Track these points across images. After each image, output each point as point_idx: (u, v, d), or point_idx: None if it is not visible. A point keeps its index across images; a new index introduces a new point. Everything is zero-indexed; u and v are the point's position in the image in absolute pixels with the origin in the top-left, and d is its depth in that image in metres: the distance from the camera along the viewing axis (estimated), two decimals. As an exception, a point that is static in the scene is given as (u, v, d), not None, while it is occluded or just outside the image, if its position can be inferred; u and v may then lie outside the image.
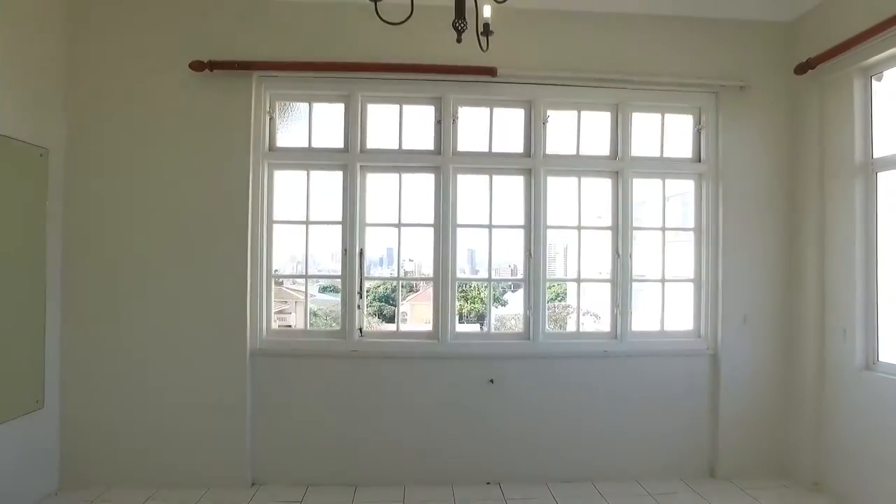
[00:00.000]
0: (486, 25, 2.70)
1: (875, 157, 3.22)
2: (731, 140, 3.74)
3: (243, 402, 3.47)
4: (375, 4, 2.40)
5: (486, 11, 2.67)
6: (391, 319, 4.24)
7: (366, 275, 3.74)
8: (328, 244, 3.73)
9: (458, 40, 2.50)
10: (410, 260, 4.27)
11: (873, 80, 3.25)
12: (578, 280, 3.81)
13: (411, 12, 2.48)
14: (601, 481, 3.57)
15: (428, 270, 3.80)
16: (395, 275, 3.97)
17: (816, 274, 3.52)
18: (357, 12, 3.40)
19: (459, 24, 2.46)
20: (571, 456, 3.61)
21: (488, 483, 3.56)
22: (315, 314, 4.00)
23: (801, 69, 3.53)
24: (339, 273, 3.64)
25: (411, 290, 5.14)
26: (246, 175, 3.51)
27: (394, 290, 4.23)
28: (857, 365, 3.22)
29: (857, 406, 3.19)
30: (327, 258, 3.79)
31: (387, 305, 4.92)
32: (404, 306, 4.10)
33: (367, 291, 3.99)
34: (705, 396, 3.72)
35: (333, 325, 3.92)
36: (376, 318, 5.03)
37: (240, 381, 3.47)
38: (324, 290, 4.99)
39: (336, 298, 3.96)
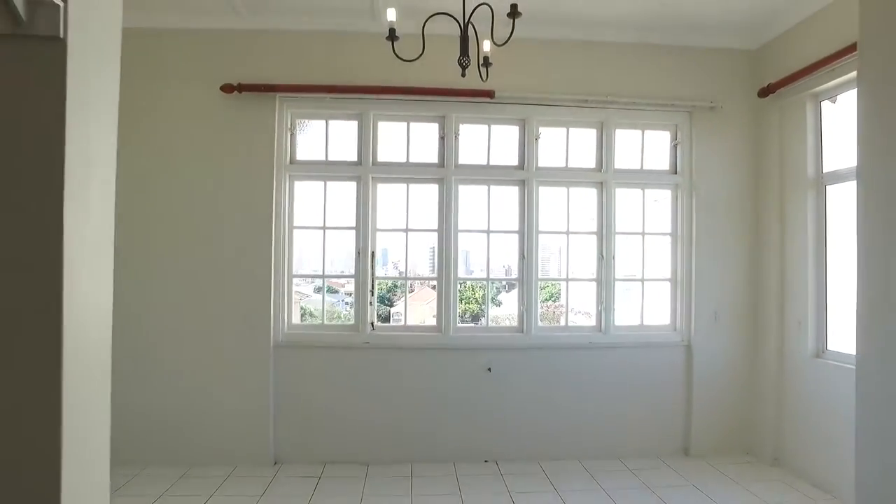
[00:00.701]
0: (486, 58, 3.14)
1: (825, 171, 3.68)
2: (703, 154, 4.19)
3: (267, 390, 3.88)
4: (392, 45, 2.84)
5: (486, 47, 3.10)
6: (387, 319, 4.61)
7: (377, 275, 4.16)
8: (343, 247, 4.13)
9: (463, 75, 2.93)
10: (394, 264, 4.54)
11: (829, 103, 3.71)
12: (567, 280, 4.25)
13: (422, 51, 2.93)
14: (587, 459, 3.99)
15: (420, 271, 4.24)
16: (388, 275, 4.40)
17: (777, 274, 3.98)
18: (369, 40, 3.83)
19: (464, 61, 2.89)
20: (560, 436, 4.03)
21: (486, 461, 3.98)
22: (311, 314, 4.33)
23: (764, 92, 3.99)
24: (353, 273, 4.06)
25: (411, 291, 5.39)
26: (269, 185, 3.92)
27: (389, 290, 4.65)
28: (810, 353, 3.68)
29: (809, 390, 3.64)
30: (341, 260, 4.18)
31: (381, 305, 5.12)
32: (399, 306, 4.45)
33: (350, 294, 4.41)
34: (680, 384, 4.16)
35: (336, 320, 4.35)
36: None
37: (264, 371, 3.88)
38: (318, 290, 5.23)
39: (331, 298, 4.39)
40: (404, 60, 2.89)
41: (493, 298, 4.52)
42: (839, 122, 3.65)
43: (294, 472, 3.76)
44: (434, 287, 4.15)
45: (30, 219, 1.44)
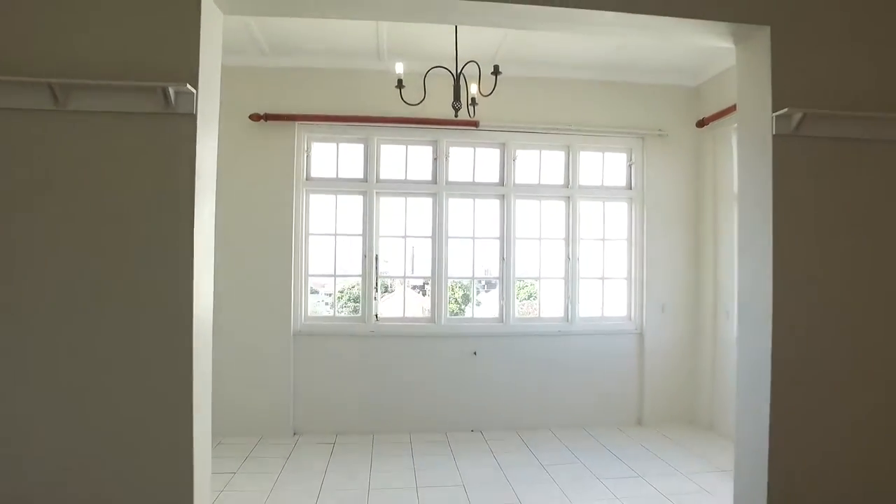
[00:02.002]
0: (473, 99, 3.92)
1: (747, 189, 4.52)
2: (653, 173, 5.01)
3: (288, 372, 4.59)
4: (401, 93, 3.61)
5: (473, 90, 3.88)
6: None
7: (349, 274, 4.91)
8: (351, 251, 4.86)
9: (455, 115, 3.71)
10: (386, 261, 5.10)
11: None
12: (539, 278, 5.04)
13: (424, 97, 3.70)
14: (556, 428, 4.77)
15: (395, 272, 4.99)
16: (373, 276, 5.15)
17: (711, 273, 4.81)
18: (374, 77, 4.58)
19: (456, 105, 3.67)
20: (535, 410, 4.81)
21: (472, 430, 4.73)
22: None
23: (700, 124, 4.84)
24: (360, 273, 4.80)
25: (386, 290, 5.76)
26: (289, 198, 4.63)
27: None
28: (734, 338, 4.50)
29: (733, 368, 4.46)
30: (349, 262, 4.88)
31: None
32: (380, 306, 5.04)
33: (342, 292, 5.10)
34: (634, 365, 4.97)
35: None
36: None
37: (286, 356, 4.59)
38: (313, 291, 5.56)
39: (313, 297, 5.09)
40: (409, 104, 3.66)
41: (470, 298, 5.22)
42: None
43: (311, 440, 4.47)
44: (413, 287, 4.90)
45: (174, 225, 2.21)
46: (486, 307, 5.26)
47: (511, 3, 2.43)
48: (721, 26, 2.65)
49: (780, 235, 2.58)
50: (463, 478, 3.73)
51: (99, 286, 2.23)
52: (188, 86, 2.23)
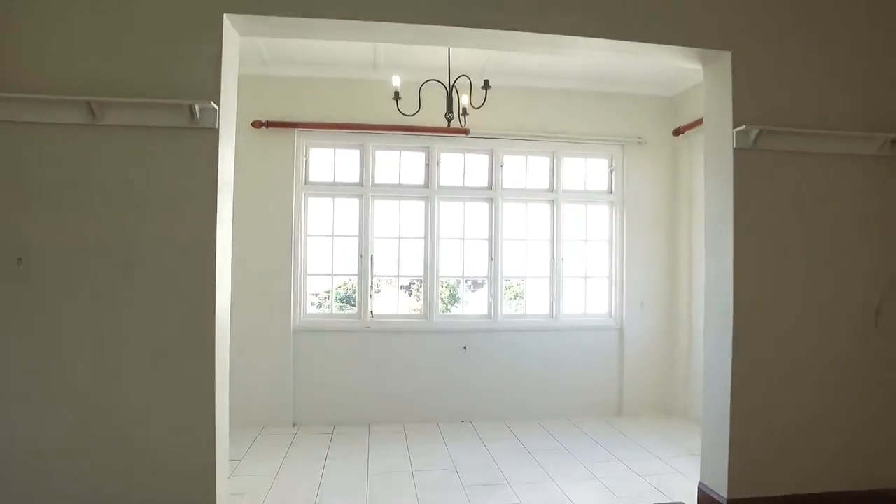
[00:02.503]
0: (464, 109, 4.21)
1: (718, 194, 4.85)
2: (633, 178, 5.33)
3: (289, 365, 4.83)
4: (397, 104, 3.88)
5: (465, 101, 4.16)
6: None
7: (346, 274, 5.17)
8: (347, 251, 5.11)
9: (448, 125, 3.99)
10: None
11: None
12: (525, 277, 5.34)
13: (419, 108, 3.97)
14: (542, 418, 5.07)
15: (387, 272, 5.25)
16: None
17: (687, 272, 5.14)
18: (370, 86, 4.85)
19: (449, 116, 3.95)
20: (522, 401, 5.09)
21: (463, 421, 5.01)
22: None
23: (677, 132, 5.17)
24: (356, 272, 5.06)
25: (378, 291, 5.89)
26: (289, 201, 4.88)
27: (354, 291, 5.39)
28: (707, 332, 4.84)
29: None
30: (346, 262, 5.13)
31: (348, 305, 5.43)
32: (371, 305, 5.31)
33: (328, 292, 5.34)
34: (614, 358, 5.29)
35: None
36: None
37: (286, 351, 4.83)
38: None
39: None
40: (405, 115, 3.94)
41: (458, 298, 5.49)
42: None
43: (311, 430, 4.72)
44: (401, 287, 5.18)
45: (199, 226, 2.48)
46: (474, 305, 5.53)
47: (504, 30, 2.73)
48: (690, 51, 2.97)
49: (739, 235, 2.91)
50: (455, 462, 4.00)
51: (132, 278, 2.48)
52: (212, 103, 2.49)
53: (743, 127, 2.86)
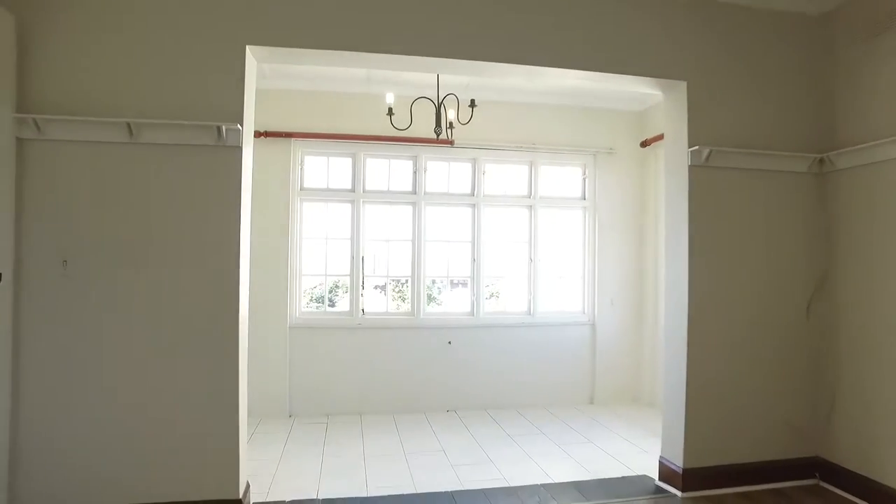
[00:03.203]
0: (451, 123, 4.60)
1: (680, 201, 5.33)
2: (604, 186, 5.79)
3: (285, 360, 5.16)
4: (391, 119, 4.25)
5: (451, 116, 4.56)
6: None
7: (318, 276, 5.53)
8: (340, 253, 5.47)
9: (437, 138, 4.38)
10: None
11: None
12: (505, 277, 5.76)
13: (410, 123, 4.35)
14: (521, 407, 5.49)
15: (396, 272, 5.64)
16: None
17: (654, 272, 5.62)
18: (363, 100, 5.21)
19: (437, 131, 4.34)
20: (503, 392, 5.51)
21: (448, 411, 5.40)
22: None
23: (643, 144, 5.64)
24: (349, 272, 5.42)
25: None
26: (286, 206, 5.21)
27: (330, 290, 5.73)
28: (670, 326, 5.32)
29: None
30: (339, 262, 5.49)
31: (322, 305, 5.60)
32: (343, 304, 5.61)
33: (304, 292, 5.65)
34: (587, 352, 5.74)
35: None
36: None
37: (283, 346, 5.16)
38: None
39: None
40: (398, 129, 4.32)
41: (434, 297, 5.87)
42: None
43: (306, 421, 5.06)
44: (375, 287, 5.56)
45: (226, 231, 2.83)
46: (457, 303, 5.91)
47: (488, 62, 3.14)
48: (651, 80, 3.43)
49: (693, 240, 3.36)
50: (443, 445, 4.40)
51: (166, 278, 2.83)
52: (237, 125, 2.85)
53: (696, 147, 3.32)
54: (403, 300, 5.69)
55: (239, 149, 2.89)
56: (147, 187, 2.82)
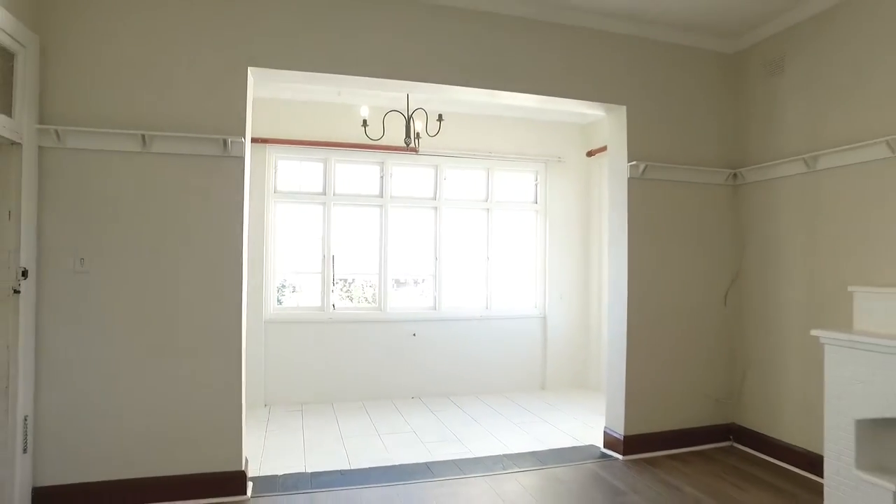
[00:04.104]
0: (418, 134, 5.05)
1: (621, 206, 5.99)
2: (554, 190, 6.38)
3: (261, 353, 5.48)
4: (365, 130, 4.67)
5: (419, 127, 5.01)
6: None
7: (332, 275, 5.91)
8: (312, 251, 5.83)
9: (407, 147, 4.83)
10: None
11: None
12: (464, 274, 6.26)
13: (382, 135, 4.79)
14: (479, 394, 6.00)
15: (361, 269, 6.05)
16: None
17: (598, 270, 6.25)
18: (333, 109, 5.59)
19: (407, 141, 4.78)
20: (463, 379, 6.00)
21: (413, 397, 5.86)
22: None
23: (589, 154, 6.27)
24: (320, 270, 5.79)
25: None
26: (261, 207, 5.53)
27: (300, 286, 6.20)
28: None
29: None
30: (310, 260, 5.85)
31: (294, 300, 5.95)
32: (314, 299, 6.12)
33: (277, 288, 6.03)
34: (539, 342, 6.32)
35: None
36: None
37: (258, 340, 5.48)
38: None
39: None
40: (372, 140, 4.74)
41: (400, 283, 6.33)
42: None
43: (282, 409, 5.40)
44: (343, 282, 5.97)
45: (229, 232, 3.19)
46: (420, 298, 6.36)
47: (453, 86, 3.63)
48: (596, 104, 4.00)
49: (631, 241, 3.96)
50: (412, 426, 4.85)
51: (176, 275, 3.17)
52: (241, 138, 3.22)
53: (634, 162, 3.91)
54: (367, 300, 6.08)
55: (242, 158, 3.26)
56: (159, 192, 3.15)
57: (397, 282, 6.17)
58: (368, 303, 6.06)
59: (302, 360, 5.62)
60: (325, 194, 5.80)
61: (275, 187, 5.68)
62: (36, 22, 2.92)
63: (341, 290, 6.09)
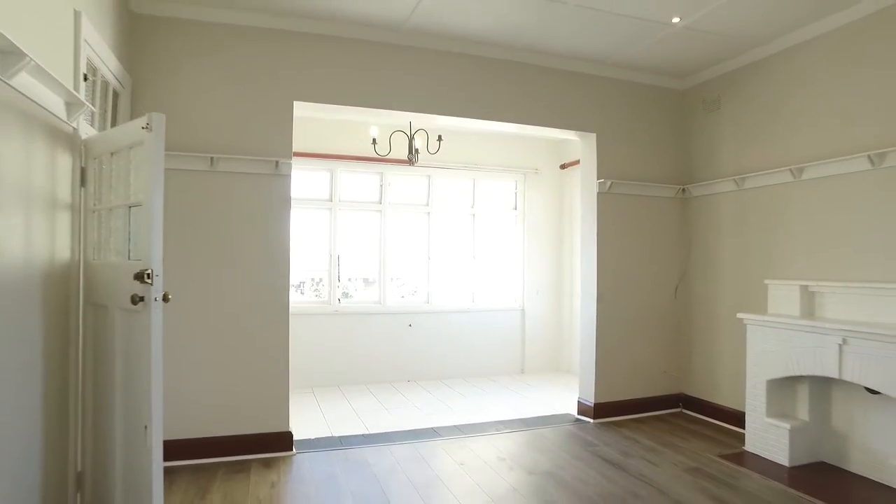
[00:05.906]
0: (416, 150, 5.84)
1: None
2: (531, 198, 7.24)
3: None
4: (375, 148, 5.44)
5: (417, 143, 5.80)
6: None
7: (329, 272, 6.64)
8: (319, 251, 6.55)
9: (401, 160, 5.60)
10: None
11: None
12: (453, 271, 7.07)
13: (389, 151, 5.56)
14: (467, 377, 6.82)
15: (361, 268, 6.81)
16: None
17: (570, 269, 7.14)
18: (340, 125, 6.33)
19: (411, 157, 5.57)
20: (453, 364, 6.81)
21: (409, 381, 6.64)
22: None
23: (562, 167, 7.16)
24: (327, 268, 6.51)
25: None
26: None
27: (314, 282, 7.02)
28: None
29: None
30: (319, 259, 6.57)
31: (305, 294, 7.05)
32: (323, 293, 6.91)
33: (291, 284, 6.77)
34: (518, 332, 7.17)
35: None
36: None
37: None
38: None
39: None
40: (379, 155, 5.51)
41: (346, 294, 7.12)
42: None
43: (295, 392, 6.06)
44: (348, 279, 6.72)
45: (279, 238, 3.91)
46: (415, 294, 7.13)
47: (447, 115, 4.45)
48: (571, 132, 4.86)
49: (600, 245, 4.83)
50: (413, 402, 5.64)
51: (235, 274, 3.89)
52: (289, 160, 3.96)
53: (602, 179, 4.79)
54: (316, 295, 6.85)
55: (289, 176, 4.01)
56: (221, 204, 3.86)
57: (393, 279, 6.94)
58: (346, 295, 6.82)
59: (312, 349, 6.34)
60: (331, 200, 6.54)
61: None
62: (130, 65, 3.61)
63: (311, 288, 6.84)
